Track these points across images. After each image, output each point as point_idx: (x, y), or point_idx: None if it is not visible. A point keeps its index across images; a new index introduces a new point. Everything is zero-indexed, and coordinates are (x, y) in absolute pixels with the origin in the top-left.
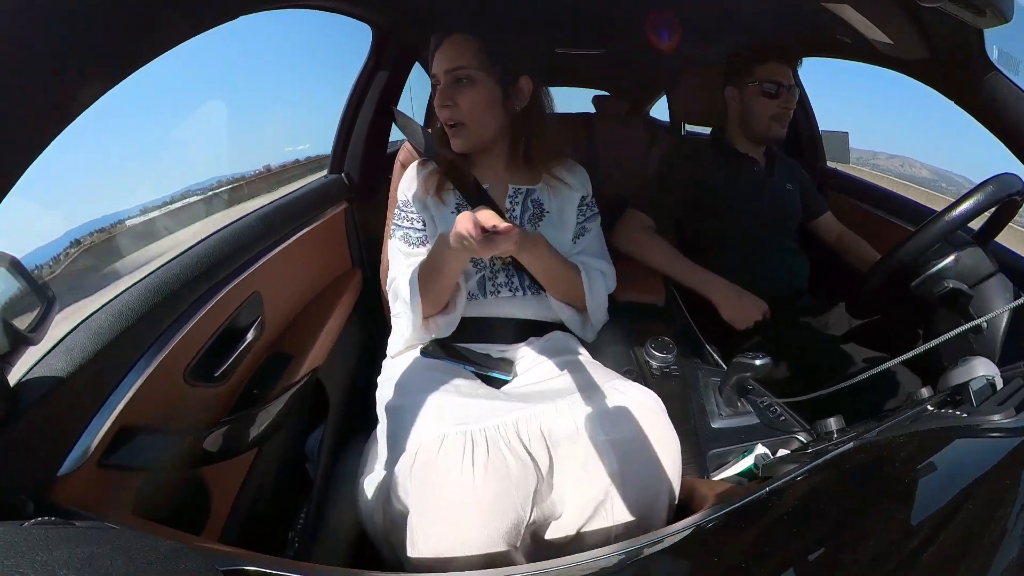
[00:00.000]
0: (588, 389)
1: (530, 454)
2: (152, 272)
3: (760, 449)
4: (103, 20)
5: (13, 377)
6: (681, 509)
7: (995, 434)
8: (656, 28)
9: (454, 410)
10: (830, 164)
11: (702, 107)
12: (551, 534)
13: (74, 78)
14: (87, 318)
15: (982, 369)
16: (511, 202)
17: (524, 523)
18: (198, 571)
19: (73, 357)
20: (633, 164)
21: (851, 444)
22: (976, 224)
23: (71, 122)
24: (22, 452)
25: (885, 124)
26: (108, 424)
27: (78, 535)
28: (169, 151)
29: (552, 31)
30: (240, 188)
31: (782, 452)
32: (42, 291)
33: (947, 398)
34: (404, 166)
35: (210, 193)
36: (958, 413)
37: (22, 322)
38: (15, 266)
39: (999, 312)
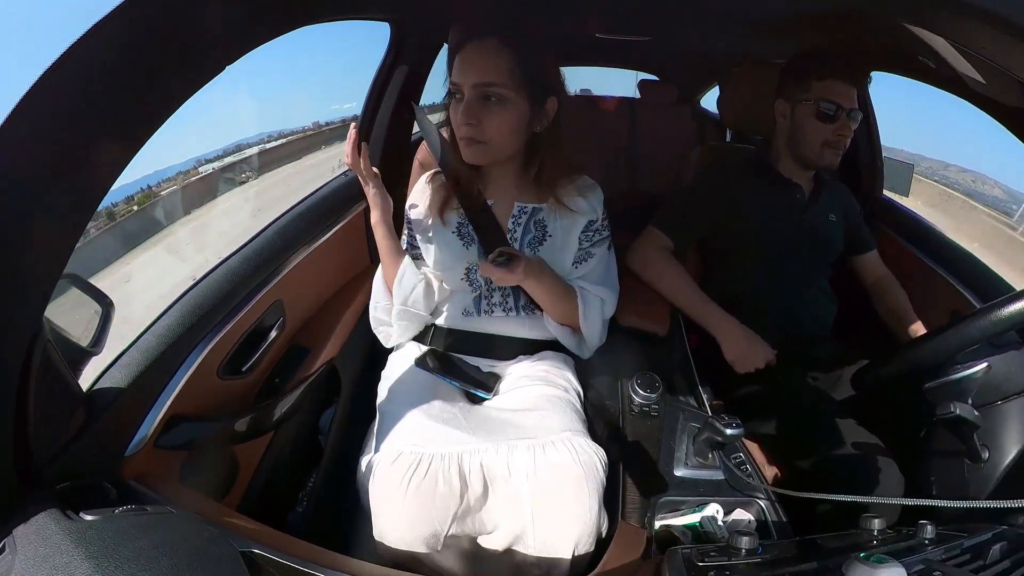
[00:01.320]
0: (536, 435)
1: (464, 483)
2: (186, 292)
3: (710, 509)
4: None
5: (85, 383)
6: (602, 546)
7: None
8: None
9: (418, 432)
10: (887, 193)
11: (753, 111)
12: (487, 545)
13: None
14: (136, 340)
15: None
16: (514, 223)
17: (441, 535)
18: (227, 555)
19: (130, 372)
20: (674, 159)
21: None
22: None
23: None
24: (99, 443)
25: (960, 136)
26: (160, 415)
27: (153, 522)
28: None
29: (592, 14)
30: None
31: (739, 512)
32: (101, 300)
33: None
34: (422, 165)
35: (261, 148)
36: None
37: (86, 332)
38: (74, 280)
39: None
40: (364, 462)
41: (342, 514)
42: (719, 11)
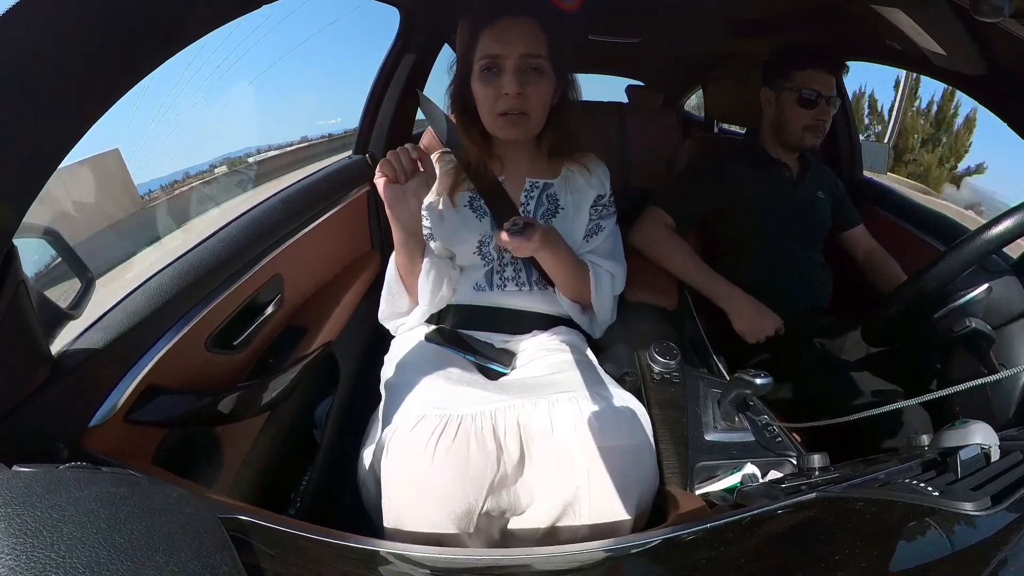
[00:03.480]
0: (573, 390)
1: (500, 446)
2: (183, 255)
3: (749, 468)
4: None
5: (56, 348)
6: (657, 517)
7: (960, 523)
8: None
9: (440, 394)
10: (867, 174)
11: (738, 105)
12: (521, 527)
13: (111, 64)
14: (123, 299)
15: (979, 436)
16: (526, 196)
17: (476, 511)
18: (200, 517)
19: (108, 332)
20: (663, 159)
21: (813, 495)
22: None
23: (106, 111)
24: (60, 407)
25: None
26: (135, 384)
27: (104, 478)
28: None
29: (587, 17)
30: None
31: (773, 473)
32: (82, 270)
33: (936, 459)
34: (427, 151)
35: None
36: (931, 490)
37: (66, 295)
38: (57, 239)
39: (1011, 372)
40: (367, 453)
41: (340, 515)
42: (701, 12)
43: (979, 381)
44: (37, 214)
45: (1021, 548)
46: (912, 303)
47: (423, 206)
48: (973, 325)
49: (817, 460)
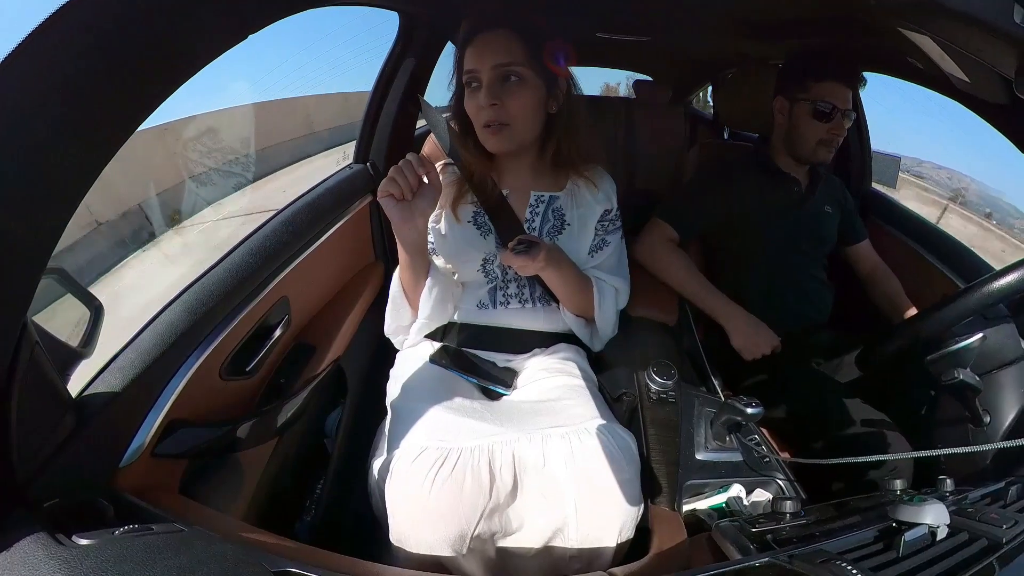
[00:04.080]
0: (566, 423)
1: (493, 477)
2: (188, 287)
3: (735, 489)
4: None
5: (72, 388)
6: (641, 534)
7: None
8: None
9: (441, 425)
10: (875, 186)
11: (748, 110)
12: (516, 545)
13: (131, 85)
14: (133, 339)
15: (929, 517)
16: (531, 212)
17: (468, 535)
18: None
19: (125, 374)
20: (671, 158)
21: (766, 559)
22: None
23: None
24: (90, 454)
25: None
26: (159, 420)
27: (163, 544)
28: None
29: (594, 14)
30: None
31: (759, 492)
32: (89, 300)
33: (891, 525)
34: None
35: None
36: (868, 570)
37: (75, 333)
38: (63, 276)
39: (983, 448)
40: (376, 464)
41: (352, 521)
42: (715, 13)
43: (963, 450)
44: None
45: None
46: (907, 344)
47: (436, 225)
48: (961, 377)
49: (789, 506)
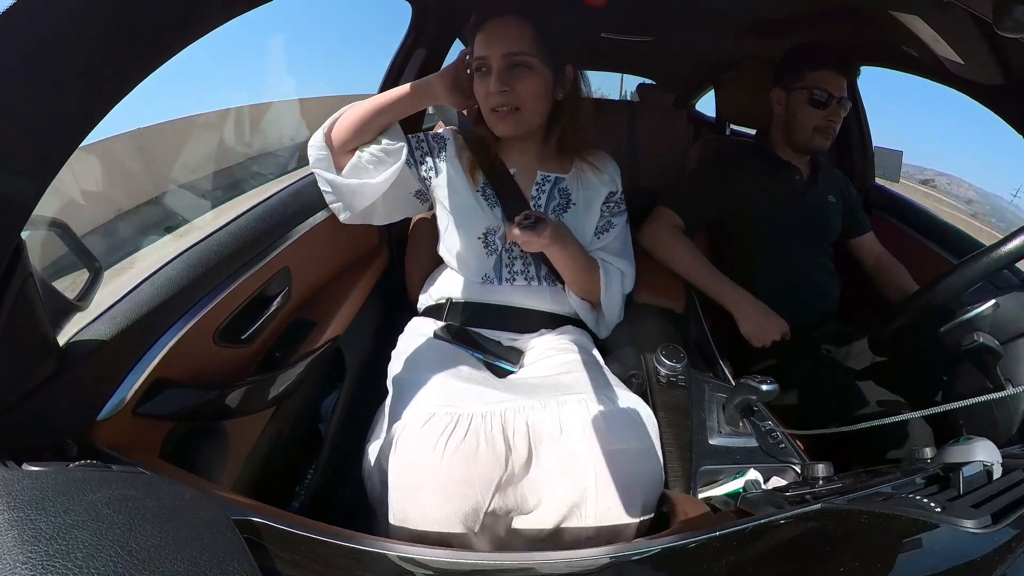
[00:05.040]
0: (581, 392)
1: (508, 446)
2: (191, 247)
3: (752, 474)
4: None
5: (62, 339)
6: (660, 520)
7: (961, 539)
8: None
9: (450, 392)
10: (879, 181)
11: (750, 107)
12: (527, 526)
13: (124, 58)
14: (131, 291)
15: (981, 454)
16: (538, 190)
17: (482, 509)
18: (214, 520)
19: (116, 324)
20: (673, 159)
21: (818, 506)
22: None
23: (122, 98)
24: (67, 400)
25: (940, 141)
26: (143, 377)
27: (115, 478)
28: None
29: (599, 15)
30: None
31: (775, 479)
32: (89, 260)
33: (939, 473)
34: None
35: None
36: (933, 505)
37: (73, 286)
38: (65, 231)
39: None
40: (372, 448)
41: (344, 510)
42: (717, 12)
43: (985, 397)
44: (48, 204)
45: (1018, 566)
46: (920, 315)
47: (447, 180)
48: (981, 340)
49: (821, 469)
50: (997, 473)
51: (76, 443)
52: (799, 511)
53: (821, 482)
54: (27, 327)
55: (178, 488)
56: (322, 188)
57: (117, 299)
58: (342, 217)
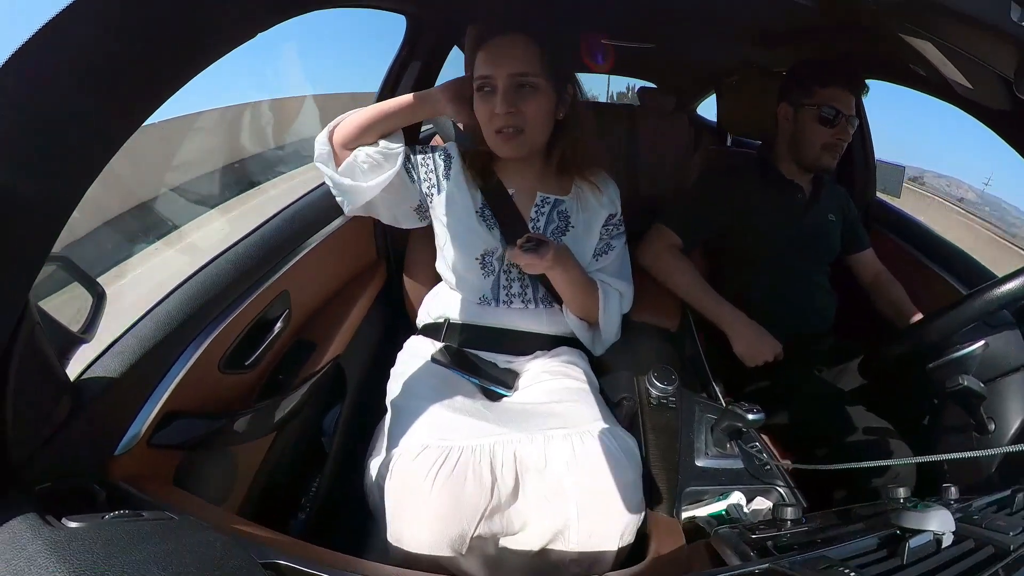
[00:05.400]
0: (569, 425)
1: (495, 477)
2: (190, 278)
3: (735, 497)
4: (161, 30)
5: (71, 372)
6: (640, 540)
7: None
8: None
9: (443, 423)
10: (879, 196)
11: (752, 117)
12: (516, 546)
13: (140, 86)
14: (133, 325)
15: (934, 524)
16: (537, 212)
17: (468, 535)
18: (246, 566)
19: (123, 359)
20: (674, 164)
21: (766, 565)
22: None
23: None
24: (86, 438)
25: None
26: (156, 410)
27: (151, 530)
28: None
29: (603, 22)
30: None
31: (759, 500)
32: (92, 287)
33: (895, 533)
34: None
35: None
36: None
37: (76, 317)
38: (66, 264)
39: (993, 452)
40: (373, 464)
41: (348, 520)
42: (720, 21)
43: (969, 454)
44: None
45: None
46: (911, 349)
47: (447, 198)
48: (965, 383)
49: (790, 513)
50: (947, 542)
51: (98, 482)
52: (744, 569)
53: (789, 524)
54: (40, 372)
55: (208, 535)
56: (327, 183)
57: (120, 334)
58: (346, 209)
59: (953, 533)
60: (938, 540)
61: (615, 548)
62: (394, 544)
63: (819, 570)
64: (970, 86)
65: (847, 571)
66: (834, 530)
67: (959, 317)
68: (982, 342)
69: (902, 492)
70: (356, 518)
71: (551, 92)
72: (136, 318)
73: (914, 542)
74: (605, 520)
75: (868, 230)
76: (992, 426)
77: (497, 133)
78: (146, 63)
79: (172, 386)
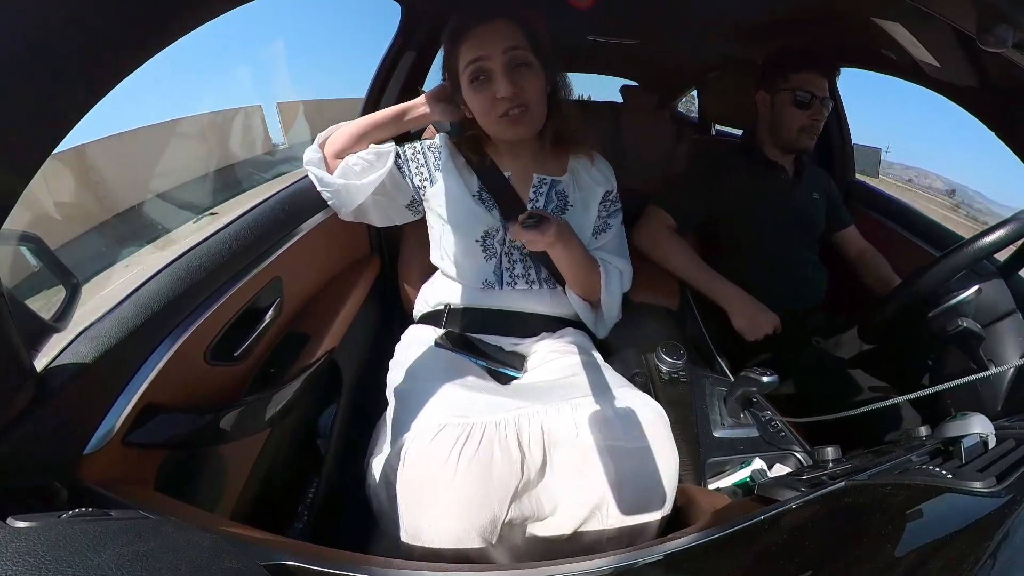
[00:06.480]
0: (593, 393)
1: (523, 453)
2: (177, 259)
3: (757, 463)
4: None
5: (40, 363)
6: (676, 514)
7: (974, 498)
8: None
9: (458, 402)
10: (859, 177)
11: (733, 107)
12: (545, 533)
13: (103, 55)
14: (112, 308)
15: (977, 427)
16: (535, 192)
17: (500, 521)
18: (243, 570)
19: (99, 344)
20: (658, 159)
21: (842, 483)
22: (1001, 255)
23: (115, 85)
24: (50, 433)
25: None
26: (132, 404)
27: (119, 529)
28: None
29: (586, 18)
30: None
31: (778, 467)
32: (67, 276)
33: (940, 447)
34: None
35: None
36: (944, 473)
37: (48, 306)
38: (38, 245)
39: (1003, 369)
40: (376, 462)
41: (350, 528)
42: (701, 17)
43: (973, 377)
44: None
45: (1022, 519)
46: (908, 303)
47: (443, 187)
48: (965, 324)
49: (831, 452)
50: (992, 443)
51: (64, 484)
52: (826, 490)
53: (831, 464)
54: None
55: (194, 535)
56: (318, 187)
57: (98, 317)
58: (340, 214)
59: (994, 435)
60: (984, 442)
61: (659, 517)
62: (409, 543)
63: (896, 475)
64: (939, 65)
65: (925, 467)
66: (874, 464)
67: (951, 265)
68: (975, 288)
69: (923, 431)
70: (358, 525)
71: (542, 71)
72: (116, 302)
73: (967, 442)
74: (646, 487)
75: (850, 210)
76: (992, 367)
77: (502, 117)
78: (129, 23)
79: (151, 376)
